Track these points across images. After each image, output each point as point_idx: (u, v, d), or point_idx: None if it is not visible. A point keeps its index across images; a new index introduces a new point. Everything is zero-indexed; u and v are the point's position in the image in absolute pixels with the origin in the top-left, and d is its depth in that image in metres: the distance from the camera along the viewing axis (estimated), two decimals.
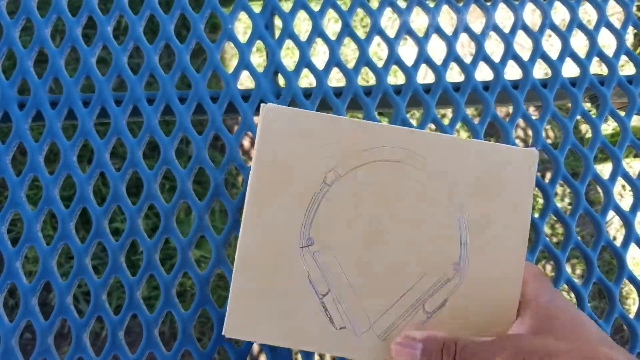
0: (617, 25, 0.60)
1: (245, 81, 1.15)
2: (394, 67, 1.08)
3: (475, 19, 1.19)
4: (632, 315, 0.52)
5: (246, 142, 1.18)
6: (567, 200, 1.17)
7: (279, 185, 0.41)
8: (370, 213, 0.41)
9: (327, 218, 0.41)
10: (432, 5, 0.59)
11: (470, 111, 0.62)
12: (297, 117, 0.42)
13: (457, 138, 0.42)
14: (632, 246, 0.54)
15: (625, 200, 1.21)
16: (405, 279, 0.40)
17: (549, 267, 1.09)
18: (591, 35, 0.59)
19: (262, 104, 0.43)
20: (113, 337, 0.48)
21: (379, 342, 0.40)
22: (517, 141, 1.22)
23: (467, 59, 0.57)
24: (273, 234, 0.41)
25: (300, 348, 0.40)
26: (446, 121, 1.17)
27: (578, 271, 1.12)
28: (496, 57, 0.58)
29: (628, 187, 0.55)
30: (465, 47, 1.28)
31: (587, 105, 0.60)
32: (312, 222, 0.41)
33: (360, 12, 1.08)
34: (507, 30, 0.59)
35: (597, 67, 1.06)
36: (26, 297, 0.48)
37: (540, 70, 1.19)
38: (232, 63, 1.10)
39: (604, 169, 1.23)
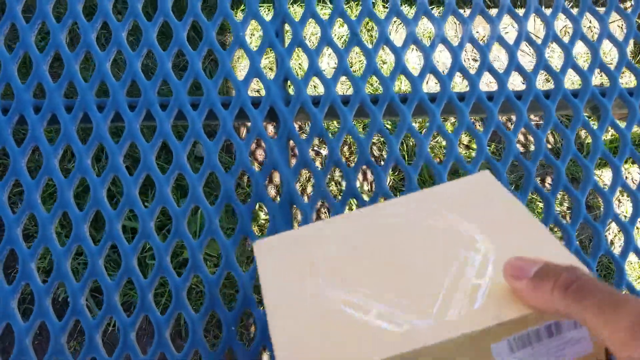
0: (619, 32, 0.62)
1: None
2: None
3: (478, 24, 1.20)
4: None
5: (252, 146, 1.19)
6: (565, 204, 1.19)
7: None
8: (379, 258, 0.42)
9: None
10: (438, 15, 0.61)
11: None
12: (284, 241, 0.45)
13: (424, 191, 0.46)
14: (631, 254, 0.55)
15: (623, 205, 1.22)
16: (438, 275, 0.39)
17: None
18: (594, 48, 0.61)
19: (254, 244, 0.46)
20: (125, 338, 0.49)
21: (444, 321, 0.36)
22: (518, 145, 1.23)
23: (469, 63, 0.58)
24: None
25: None
26: (450, 128, 1.19)
27: None
28: (497, 64, 0.59)
29: (627, 193, 0.56)
30: (468, 52, 1.30)
31: (588, 112, 0.61)
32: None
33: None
34: (511, 41, 0.60)
35: (597, 78, 1.07)
36: (40, 298, 0.50)
37: (542, 76, 1.21)
38: (239, 65, 1.12)
39: (603, 174, 1.24)
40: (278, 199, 0.55)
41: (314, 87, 1.20)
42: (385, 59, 1.27)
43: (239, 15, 0.59)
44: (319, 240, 0.44)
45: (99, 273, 0.50)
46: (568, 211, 1.18)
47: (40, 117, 0.54)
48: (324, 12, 1.23)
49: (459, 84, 1.20)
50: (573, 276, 0.31)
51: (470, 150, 1.24)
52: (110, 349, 0.49)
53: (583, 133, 1.20)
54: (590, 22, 1.20)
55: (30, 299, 0.52)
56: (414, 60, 1.19)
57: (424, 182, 1.16)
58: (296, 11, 1.17)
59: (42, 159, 0.53)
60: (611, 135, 1.19)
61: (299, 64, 1.21)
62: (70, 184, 0.52)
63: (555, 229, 1.11)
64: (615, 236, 1.17)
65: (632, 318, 0.28)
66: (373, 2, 0.59)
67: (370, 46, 0.59)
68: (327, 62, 1.28)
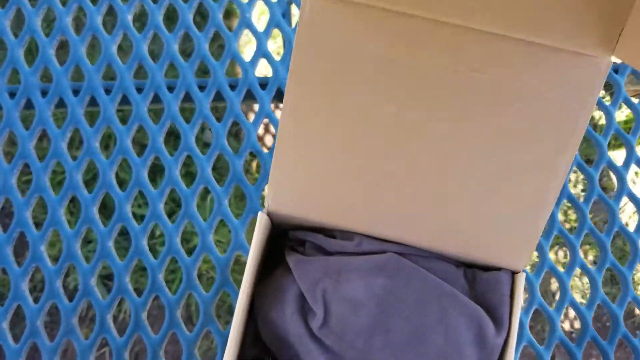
0: None
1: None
2: None
3: None
4: None
5: (261, 131, 1.19)
6: (580, 187, 1.17)
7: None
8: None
9: None
10: None
11: None
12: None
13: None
14: None
15: (638, 185, 1.21)
16: None
17: (561, 253, 1.10)
18: None
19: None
20: (136, 319, 0.49)
21: None
22: None
23: None
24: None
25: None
26: None
27: (590, 257, 1.13)
28: None
29: None
30: None
31: (602, 93, 0.60)
32: None
33: None
34: None
35: None
36: (51, 280, 0.50)
37: None
38: (246, 50, 1.11)
39: (617, 156, 1.23)
40: None
41: None
42: None
43: None
44: None
45: (109, 255, 0.50)
46: (582, 193, 1.17)
47: (47, 100, 0.54)
48: None
49: None
50: None
51: None
52: (121, 334, 0.49)
53: (597, 114, 1.19)
54: None
55: (41, 287, 0.52)
56: None
57: None
58: None
59: (49, 146, 0.53)
60: (626, 117, 1.18)
61: None
62: (78, 166, 0.52)
63: (570, 211, 1.10)
64: (629, 218, 1.15)
65: None
66: None
67: None
68: None
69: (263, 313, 0.37)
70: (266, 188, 0.38)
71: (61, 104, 0.54)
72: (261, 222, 0.37)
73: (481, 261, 0.37)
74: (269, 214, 0.38)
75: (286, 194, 0.37)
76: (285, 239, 0.41)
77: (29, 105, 0.54)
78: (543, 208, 0.35)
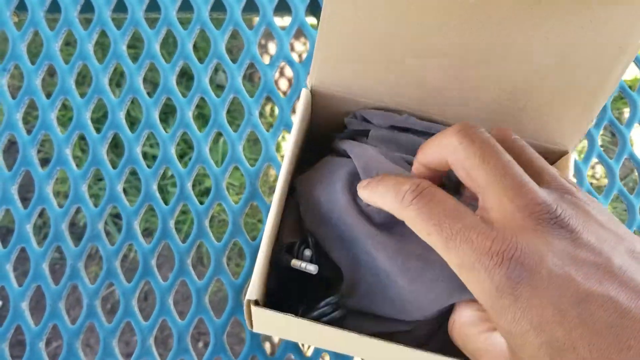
0: None
1: None
2: None
3: None
4: None
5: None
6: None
7: None
8: None
9: None
10: None
11: None
12: None
13: None
14: None
15: None
16: None
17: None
18: None
19: None
20: (145, 264, 0.47)
21: None
22: None
23: None
24: None
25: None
26: None
27: None
28: None
29: None
30: None
31: None
32: None
33: None
34: None
35: None
36: (57, 222, 0.48)
37: None
38: None
39: None
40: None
41: None
42: None
43: None
44: None
45: (117, 198, 0.48)
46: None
47: (55, 33, 0.51)
48: None
49: None
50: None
51: None
52: (130, 276, 0.47)
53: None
54: None
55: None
56: None
57: None
58: None
59: (57, 80, 0.50)
60: None
61: None
62: (87, 104, 0.50)
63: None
64: None
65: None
66: None
67: None
68: None
69: (307, 194, 0.35)
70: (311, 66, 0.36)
71: (70, 36, 0.51)
72: (305, 99, 0.36)
73: (531, 141, 0.36)
74: (312, 92, 0.37)
75: (331, 71, 0.36)
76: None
77: (37, 38, 0.51)
78: (602, 91, 0.34)
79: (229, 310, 0.46)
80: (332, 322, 0.32)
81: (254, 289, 0.31)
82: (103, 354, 0.46)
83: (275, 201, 0.33)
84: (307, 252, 0.34)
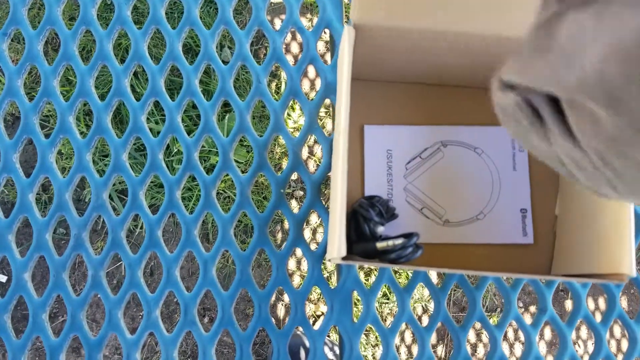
0: None
1: None
2: None
3: None
4: None
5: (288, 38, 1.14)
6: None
7: None
8: None
9: None
10: None
11: None
12: None
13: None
14: None
15: None
16: None
17: None
18: None
19: None
20: (151, 235, 0.46)
21: None
22: None
23: None
24: None
25: None
26: None
27: None
28: None
29: None
30: None
31: None
32: None
33: None
34: None
35: None
36: (61, 193, 0.47)
37: None
38: None
39: None
40: (313, 95, 0.50)
41: None
42: None
43: None
44: None
45: (122, 168, 0.47)
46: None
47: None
48: None
49: None
50: None
51: None
52: (135, 249, 0.46)
53: None
54: None
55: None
56: None
57: None
58: None
59: (59, 46, 0.48)
60: None
61: None
62: (74, 36, 0.48)
63: None
64: None
65: None
66: None
67: None
68: None
69: None
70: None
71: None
72: (349, 34, 0.38)
73: None
74: (355, 27, 0.39)
75: (372, 4, 0.37)
76: None
77: (40, 5, 0.50)
78: None
79: (236, 283, 0.45)
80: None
81: (341, 246, 0.33)
82: (108, 326, 0.45)
83: (341, 147, 0.34)
84: (381, 228, 0.38)
